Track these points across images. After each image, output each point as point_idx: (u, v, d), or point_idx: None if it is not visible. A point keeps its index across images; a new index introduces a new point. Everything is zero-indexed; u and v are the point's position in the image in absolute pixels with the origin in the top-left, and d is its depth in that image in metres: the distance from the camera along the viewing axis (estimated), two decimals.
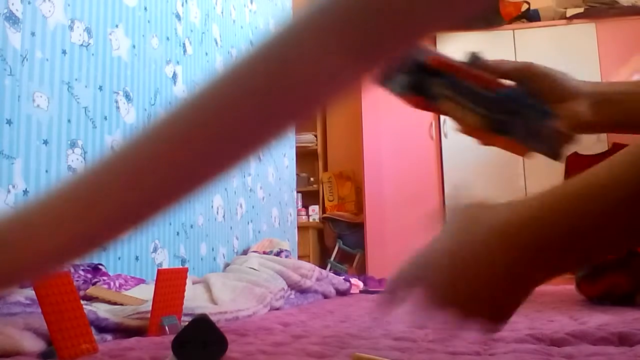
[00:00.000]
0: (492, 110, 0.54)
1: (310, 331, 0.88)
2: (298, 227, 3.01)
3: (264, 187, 2.43)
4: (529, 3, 3.53)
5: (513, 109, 0.54)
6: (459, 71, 0.55)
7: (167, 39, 1.67)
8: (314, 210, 3.75)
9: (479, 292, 0.39)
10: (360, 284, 2.23)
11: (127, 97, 1.45)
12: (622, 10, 3.36)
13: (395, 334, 0.80)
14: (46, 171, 1.13)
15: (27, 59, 1.10)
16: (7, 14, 1.06)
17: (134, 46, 1.49)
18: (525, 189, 3.23)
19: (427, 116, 3.48)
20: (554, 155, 0.55)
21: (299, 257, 2.89)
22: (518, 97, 0.54)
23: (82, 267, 1.16)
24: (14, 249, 0.34)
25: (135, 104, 1.48)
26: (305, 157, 3.76)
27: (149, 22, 1.57)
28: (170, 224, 1.61)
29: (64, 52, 1.21)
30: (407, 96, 0.57)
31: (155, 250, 1.51)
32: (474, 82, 0.55)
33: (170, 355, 0.52)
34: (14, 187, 1.05)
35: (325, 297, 1.80)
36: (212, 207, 1.88)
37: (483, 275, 0.39)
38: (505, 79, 0.57)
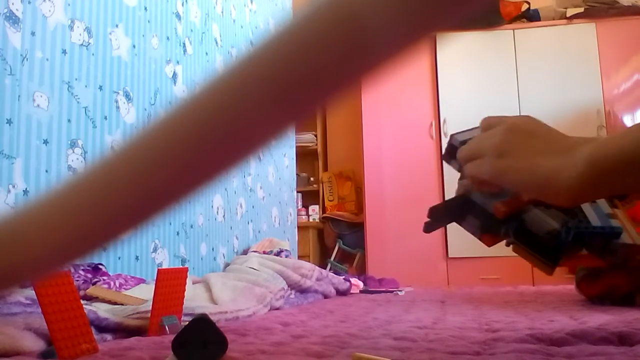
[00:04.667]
0: (558, 248, 0.56)
1: (310, 331, 0.88)
2: (298, 227, 3.01)
3: (264, 187, 2.43)
4: (529, 3, 3.53)
5: (581, 240, 0.57)
6: (525, 203, 0.57)
7: (167, 38, 1.67)
8: (314, 210, 3.75)
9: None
10: (360, 284, 2.23)
11: (127, 96, 1.45)
12: (622, 10, 3.36)
13: (395, 334, 0.80)
14: (46, 171, 1.13)
15: (27, 59, 1.10)
16: (7, 14, 1.06)
17: (134, 46, 1.49)
18: None
19: (427, 116, 3.48)
20: (629, 262, 0.59)
21: (299, 257, 2.89)
22: (584, 231, 0.57)
23: (82, 267, 1.16)
24: (14, 249, 0.34)
25: (135, 103, 1.49)
26: (305, 157, 3.76)
27: (149, 21, 1.57)
28: (170, 224, 1.61)
29: (64, 51, 1.21)
30: (480, 236, 0.61)
31: (155, 250, 1.51)
32: (542, 209, 0.58)
33: (170, 355, 0.52)
34: (14, 187, 1.05)
35: (325, 297, 1.80)
36: (212, 207, 1.88)
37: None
38: None
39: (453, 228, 3.25)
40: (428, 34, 0.30)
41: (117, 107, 1.40)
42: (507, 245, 0.59)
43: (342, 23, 0.29)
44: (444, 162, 0.69)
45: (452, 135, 0.66)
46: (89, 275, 1.16)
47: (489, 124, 0.55)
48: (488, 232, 0.60)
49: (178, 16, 1.75)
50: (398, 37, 0.29)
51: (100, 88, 1.34)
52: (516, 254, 0.59)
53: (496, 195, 0.57)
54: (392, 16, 0.28)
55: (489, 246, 0.62)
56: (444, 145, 0.67)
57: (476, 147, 0.53)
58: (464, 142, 0.64)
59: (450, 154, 0.66)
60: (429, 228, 0.61)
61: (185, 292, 0.92)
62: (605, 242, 0.58)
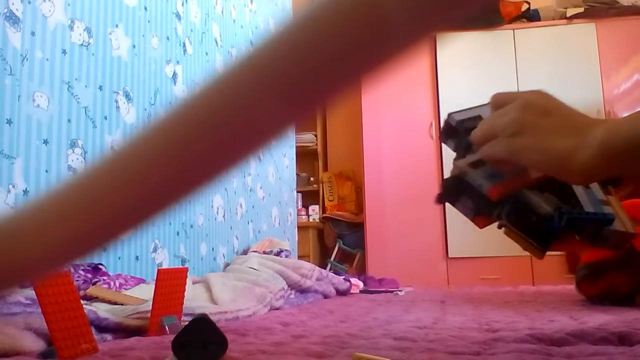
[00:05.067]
0: (549, 232, 0.56)
1: (310, 331, 0.88)
2: (298, 227, 3.00)
3: (264, 187, 2.43)
4: (529, 3, 3.53)
5: (573, 225, 0.56)
6: (520, 186, 0.57)
7: (167, 38, 1.67)
8: (314, 210, 3.75)
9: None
10: (360, 284, 2.23)
11: (127, 96, 1.45)
12: (622, 10, 3.36)
13: (395, 334, 0.80)
14: (46, 171, 1.13)
15: (27, 59, 1.10)
16: (7, 14, 1.06)
17: (134, 46, 1.49)
18: None
19: (427, 116, 3.48)
20: (620, 249, 0.58)
21: (299, 257, 2.89)
22: (576, 216, 0.56)
23: (82, 267, 1.16)
24: (14, 249, 0.34)
25: (135, 103, 1.48)
26: (305, 157, 3.76)
27: (149, 21, 1.57)
28: (170, 224, 1.61)
29: (64, 51, 1.21)
30: (473, 218, 0.60)
31: (155, 250, 1.51)
32: (536, 192, 0.57)
33: (170, 355, 0.52)
34: (14, 187, 1.05)
35: (325, 297, 1.80)
36: (212, 207, 1.88)
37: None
38: None
39: (453, 228, 3.27)
40: (433, 31, 0.30)
41: (117, 107, 1.40)
42: (499, 227, 0.59)
43: (363, 11, 0.28)
44: (440, 141, 0.69)
45: (449, 114, 0.65)
46: (89, 275, 1.16)
47: (500, 101, 0.54)
48: (481, 213, 0.59)
49: (178, 16, 1.75)
50: (412, 30, 0.29)
51: (100, 88, 1.34)
52: (512, 245, 0.59)
53: (492, 176, 0.57)
54: (411, 7, 0.28)
55: (481, 228, 0.61)
56: (445, 145, 0.67)
57: (490, 126, 0.53)
58: (461, 122, 0.64)
59: (447, 133, 0.65)
60: (440, 200, 0.62)
61: (185, 292, 0.92)
62: (597, 229, 0.57)
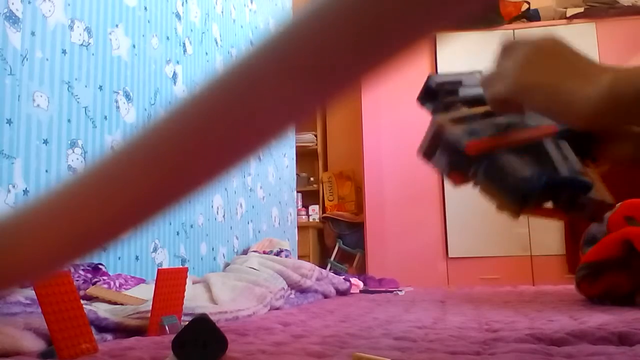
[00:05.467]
0: (526, 195, 0.55)
1: (310, 331, 0.88)
2: (298, 227, 3.01)
3: (264, 187, 2.43)
4: (529, 3, 3.53)
5: (549, 190, 0.55)
6: (498, 146, 0.56)
7: (167, 38, 1.67)
8: (314, 210, 3.75)
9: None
10: (360, 284, 2.23)
11: (127, 96, 1.45)
12: (622, 10, 3.36)
13: (395, 334, 0.80)
14: (46, 171, 1.13)
15: (27, 59, 1.10)
16: (7, 14, 1.06)
17: (134, 46, 1.49)
18: None
19: (427, 115, 3.47)
20: (596, 219, 0.57)
21: (299, 257, 2.89)
22: (553, 180, 0.55)
23: (82, 267, 1.16)
24: (15, 249, 0.34)
25: (135, 103, 1.49)
26: (305, 156, 3.76)
27: (149, 21, 1.57)
28: (170, 224, 1.61)
29: (64, 51, 1.21)
30: (448, 174, 0.59)
31: (155, 250, 1.51)
32: (515, 154, 0.56)
33: (170, 355, 0.52)
34: (14, 187, 1.05)
35: (325, 296, 1.80)
36: (212, 207, 1.88)
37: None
38: None
39: (453, 228, 3.27)
40: (433, 31, 0.30)
41: (117, 107, 1.40)
42: (475, 185, 0.57)
43: (363, 8, 0.28)
44: (418, 103, 0.68)
45: (429, 76, 0.65)
46: (89, 275, 1.16)
47: (510, 46, 0.55)
48: (457, 169, 0.58)
49: (178, 16, 1.75)
50: (412, 29, 0.29)
51: (100, 88, 1.34)
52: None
53: (471, 133, 0.56)
54: (411, 6, 0.28)
55: (456, 185, 0.59)
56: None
57: (497, 67, 0.54)
58: (441, 84, 0.64)
59: (426, 95, 0.65)
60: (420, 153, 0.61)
61: (185, 292, 0.92)
62: (573, 195, 0.56)
